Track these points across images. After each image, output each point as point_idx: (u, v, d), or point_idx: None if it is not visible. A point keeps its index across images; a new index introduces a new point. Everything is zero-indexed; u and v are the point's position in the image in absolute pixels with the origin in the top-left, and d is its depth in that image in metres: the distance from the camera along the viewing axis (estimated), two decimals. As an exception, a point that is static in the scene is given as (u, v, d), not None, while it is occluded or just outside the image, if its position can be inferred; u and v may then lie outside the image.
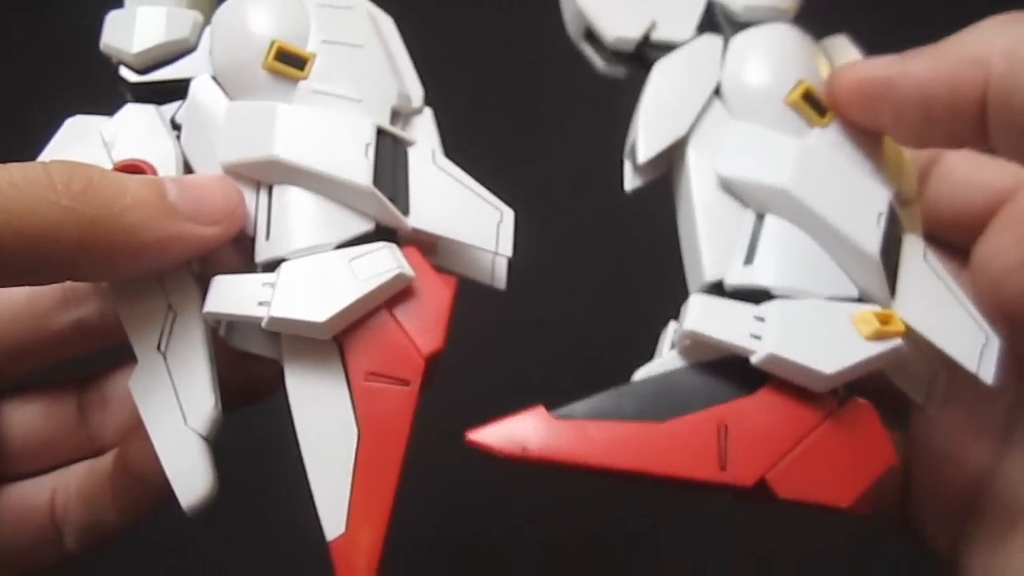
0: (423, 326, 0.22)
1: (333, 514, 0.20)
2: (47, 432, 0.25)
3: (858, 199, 0.22)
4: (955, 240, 0.25)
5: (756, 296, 0.22)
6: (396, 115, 0.24)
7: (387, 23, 0.26)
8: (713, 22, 0.25)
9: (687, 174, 0.23)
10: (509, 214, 0.23)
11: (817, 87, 0.23)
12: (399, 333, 0.21)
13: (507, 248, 0.23)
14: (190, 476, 0.21)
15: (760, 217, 0.23)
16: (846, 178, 0.23)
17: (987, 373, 0.22)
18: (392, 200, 0.22)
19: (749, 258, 0.22)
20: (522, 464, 0.20)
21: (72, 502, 0.25)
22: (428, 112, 0.25)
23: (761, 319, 0.21)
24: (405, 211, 0.23)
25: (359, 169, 0.22)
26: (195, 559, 0.42)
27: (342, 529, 0.20)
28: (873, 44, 0.25)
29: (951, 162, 0.26)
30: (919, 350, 0.23)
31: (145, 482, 0.23)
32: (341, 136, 0.22)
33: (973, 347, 0.22)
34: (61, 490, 0.25)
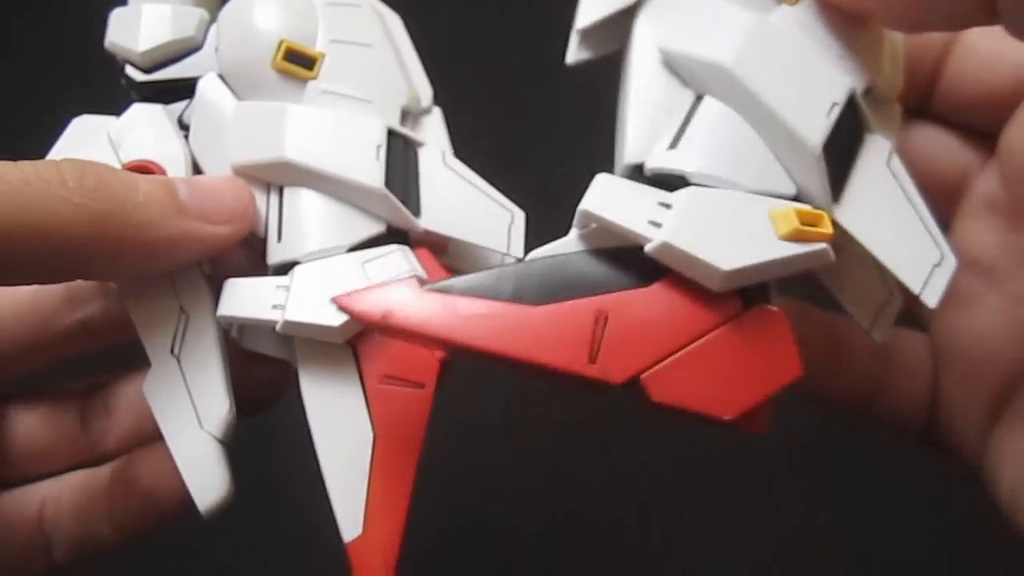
0: None
1: (350, 516, 0.21)
2: (49, 438, 0.25)
3: (812, 86, 0.19)
4: (980, 124, 0.23)
5: (676, 184, 0.19)
6: (405, 115, 0.24)
7: (395, 21, 0.26)
8: None
9: (630, 47, 0.21)
10: (520, 215, 0.23)
11: None
12: None
13: (518, 249, 0.23)
14: (206, 479, 0.21)
15: (699, 99, 0.21)
16: (804, 62, 0.20)
17: (932, 296, 0.19)
18: (403, 202, 0.22)
19: (675, 142, 0.20)
20: (384, 332, 0.19)
21: (63, 514, 0.24)
22: (437, 112, 0.25)
23: (667, 205, 0.19)
24: (416, 213, 0.23)
25: (371, 171, 0.22)
26: (206, 562, 0.41)
27: (359, 531, 0.20)
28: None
29: (975, 37, 0.23)
30: (874, 269, 0.21)
31: (149, 500, 0.23)
32: (352, 137, 0.22)
33: (921, 265, 0.19)
34: (52, 501, 0.25)
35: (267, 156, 0.22)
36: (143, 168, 0.22)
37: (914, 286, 0.19)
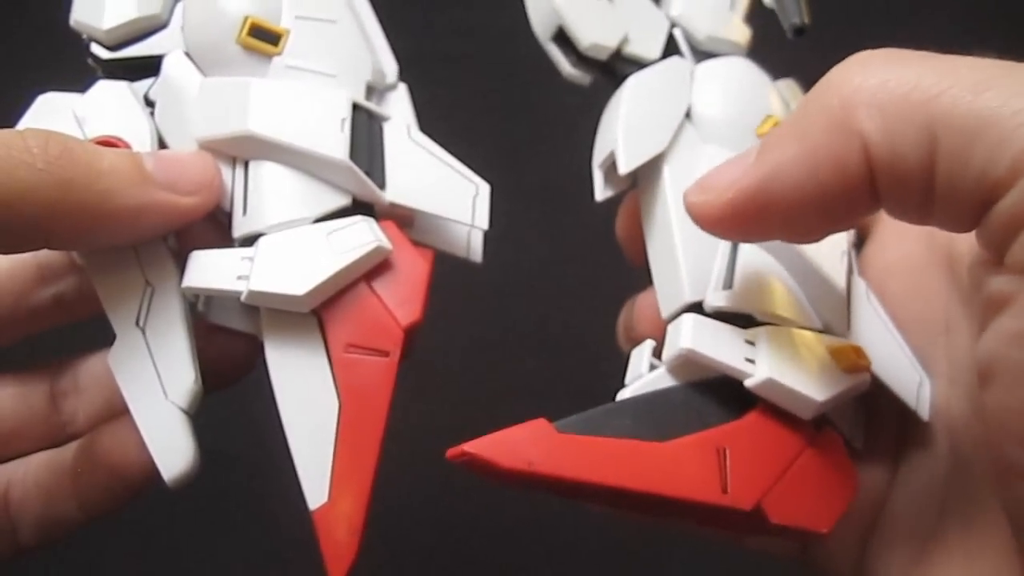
0: (402, 298, 0.22)
1: (316, 484, 0.21)
2: (19, 418, 0.25)
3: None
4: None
5: (734, 319, 0.22)
6: (371, 90, 0.24)
7: (360, -1, 0.26)
8: (672, 47, 0.26)
9: (663, 191, 0.24)
10: (485, 187, 0.23)
11: (782, 120, 0.24)
12: (378, 305, 0.22)
13: (483, 221, 0.23)
14: (172, 450, 0.21)
15: (735, 244, 0.23)
16: None
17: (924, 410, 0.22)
18: (368, 174, 0.22)
19: (728, 283, 0.23)
20: (524, 480, 0.19)
21: (29, 495, 0.24)
22: (403, 88, 0.25)
23: (751, 343, 0.21)
24: (381, 185, 0.23)
25: (335, 143, 0.22)
26: (172, 536, 0.41)
27: (325, 498, 0.20)
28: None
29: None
30: None
31: (115, 474, 0.23)
32: (317, 111, 0.22)
33: (911, 385, 0.23)
34: (17, 483, 0.24)
35: (231, 130, 0.22)
36: (108, 143, 0.22)
37: (911, 403, 0.22)
